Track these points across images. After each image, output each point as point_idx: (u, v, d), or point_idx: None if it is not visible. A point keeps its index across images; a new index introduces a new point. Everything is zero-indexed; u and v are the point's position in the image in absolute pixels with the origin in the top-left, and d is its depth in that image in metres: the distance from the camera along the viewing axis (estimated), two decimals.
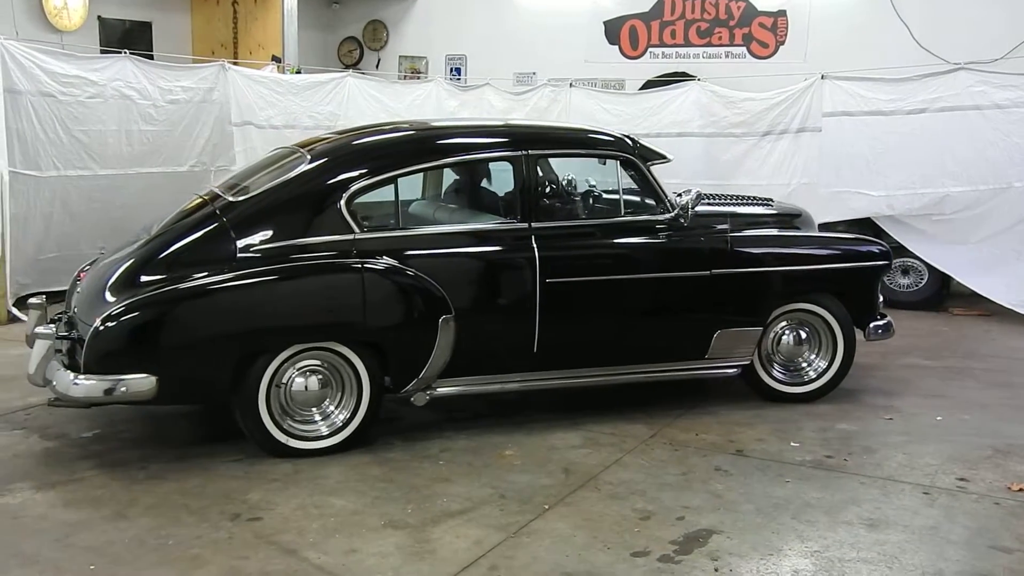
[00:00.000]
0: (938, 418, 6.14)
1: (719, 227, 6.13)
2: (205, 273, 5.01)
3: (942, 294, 9.74)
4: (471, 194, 6.37)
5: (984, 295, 9.20)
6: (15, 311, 8.25)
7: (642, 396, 6.23)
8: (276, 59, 13.22)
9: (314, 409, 5.22)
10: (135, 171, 9.49)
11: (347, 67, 14.61)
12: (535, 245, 5.53)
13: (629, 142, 6.10)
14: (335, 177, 5.43)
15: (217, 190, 5.68)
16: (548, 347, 5.58)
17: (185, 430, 5.63)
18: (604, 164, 6.15)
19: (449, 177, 6.54)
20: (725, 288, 5.98)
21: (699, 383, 6.57)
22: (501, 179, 6.10)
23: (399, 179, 5.50)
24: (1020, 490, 4.91)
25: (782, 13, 13.04)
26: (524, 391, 5.85)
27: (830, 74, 9.67)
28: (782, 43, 13.08)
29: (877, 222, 9.61)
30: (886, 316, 6.61)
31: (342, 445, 5.20)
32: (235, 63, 11.04)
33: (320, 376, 5.18)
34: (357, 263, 5.19)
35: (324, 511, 4.51)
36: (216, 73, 10.25)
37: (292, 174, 5.45)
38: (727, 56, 13.33)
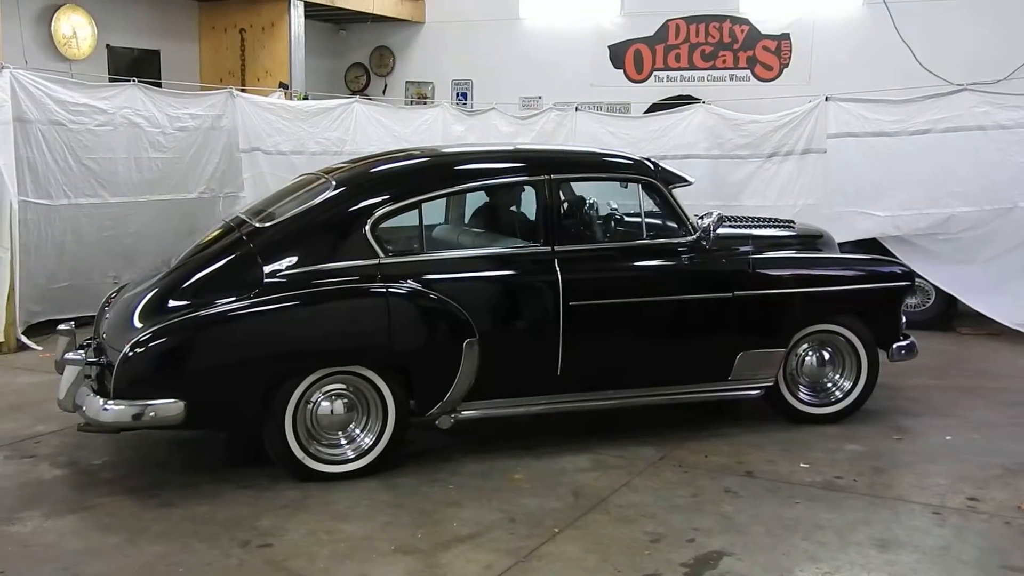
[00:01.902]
0: (947, 438, 6.13)
1: (741, 249, 6.14)
2: (232, 299, 5.07)
3: (949, 314, 9.71)
4: (494, 218, 6.40)
5: (990, 315, 9.18)
6: (24, 339, 8.28)
7: (650, 418, 6.24)
8: (283, 86, 13.31)
9: (340, 433, 5.25)
10: (145, 198, 9.55)
11: (354, 93, 14.71)
12: (558, 268, 5.57)
13: (651, 165, 6.16)
14: (360, 203, 5.49)
15: (243, 216, 5.75)
16: (571, 370, 5.61)
17: (194, 457, 5.64)
18: (626, 187, 6.20)
19: (472, 202, 6.56)
20: (747, 310, 6.01)
21: (708, 404, 6.56)
22: (524, 203, 6.21)
23: (423, 204, 5.57)
24: None
25: (785, 36, 13.13)
26: (545, 414, 5.86)
27: (834, 96, 9.71)
28: (786, 66, 13.16)
29: (883, 242, 9.61)
30: (909, 336, 6.63)
31: (368, 469, 5.24)
32: (243, 90, 11.12)
33: (346, 400, 5.22)
34: (382, 287, 5.24)
35: (334, 536, 4.52)
36: (224, 100, 10.32)
37: (317, 200, 5.52)
38: (731, 79, 13.42)
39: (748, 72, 13.37)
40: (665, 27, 13.80)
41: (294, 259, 5.26)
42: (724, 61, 13.49)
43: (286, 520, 4.69)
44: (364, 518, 4.74)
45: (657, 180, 6.03)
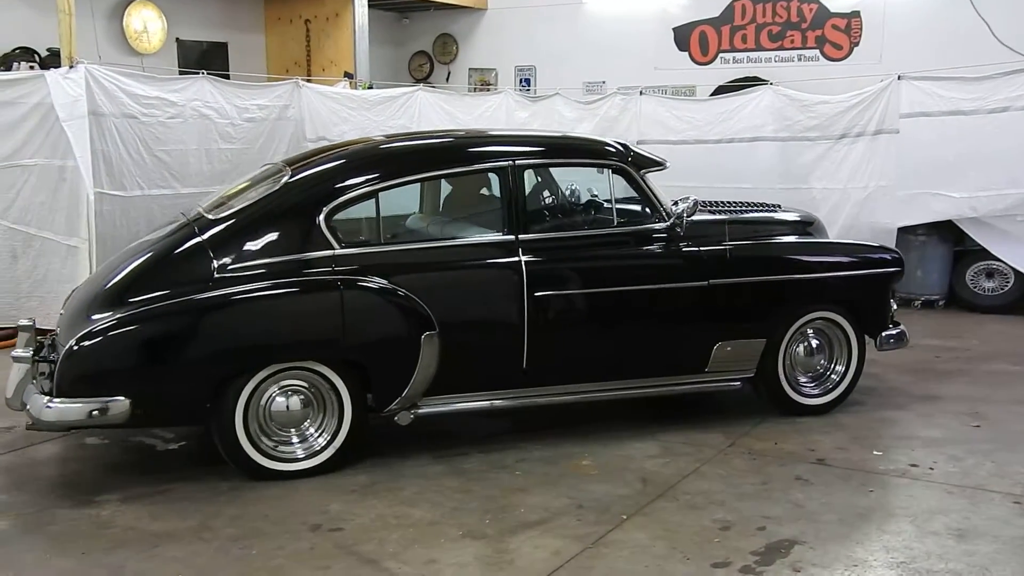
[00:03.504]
0: None
1: (717, 236, 5.91)
2: (182, 293, 4.93)
3: None
4: (458, 207, 6.24)
5: None
6: None
7: (717, 405, 6.18)
8: (348, 75, 13.41)
9: (293, 431, 5.11)
10: (216, 189, 9.67)
11: (418, 81, 14.76)
12: (522, 257, 5.39)
13: (620, 149, 5.93)
14: (314, 193, 5.34)
15: (202, 208, 5.60)
16: (538, 363, 5.44)
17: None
18: (602, 173, 5.93)
19: (443, 190, 6.38)
20: (724, 299, 5.81)
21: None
22: (488, 191, 6.04)
23: (380, 193, 5.36)
24: None
25: (856, 14, 12.82)
26: (514, 408, 5.65)
27: (907, 74, 9.48)
28: (856, 44, 12.85)
29: (958, 224, 9.40)
30: (900, 324, 6.42)
31: (324, 467, 5.10)
32: (308, 80, 11.22)
33: (302, 396, 5.09)
34: (335, 280, 5.08)
35: (403, 521, 4.55)
36: (290, 91, 10.43)
37: (271, 190, 5.37)
38: (800, 59, 13.15)
39: (817, 52, 13.09)
40: (731, 8, 13.57)
41: (246, 251, 5.10)
42: (792, 41, 13.23)
43: (355, 505, 4.74)
44: (432, 503, 4.76)
45: (628, 165, 5.82)
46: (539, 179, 6.14)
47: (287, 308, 5.09)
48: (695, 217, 5.80)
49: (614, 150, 5.93)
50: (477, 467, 5.25)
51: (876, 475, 5.12)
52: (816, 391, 6.15)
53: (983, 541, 4.32)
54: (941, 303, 9.74)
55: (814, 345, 6.13)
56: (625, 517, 4.58)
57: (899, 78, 9.47)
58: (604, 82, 13.82)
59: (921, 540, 4.34)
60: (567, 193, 6.28)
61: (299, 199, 5.34)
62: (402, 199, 6.14)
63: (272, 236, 5.19)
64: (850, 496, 4.84)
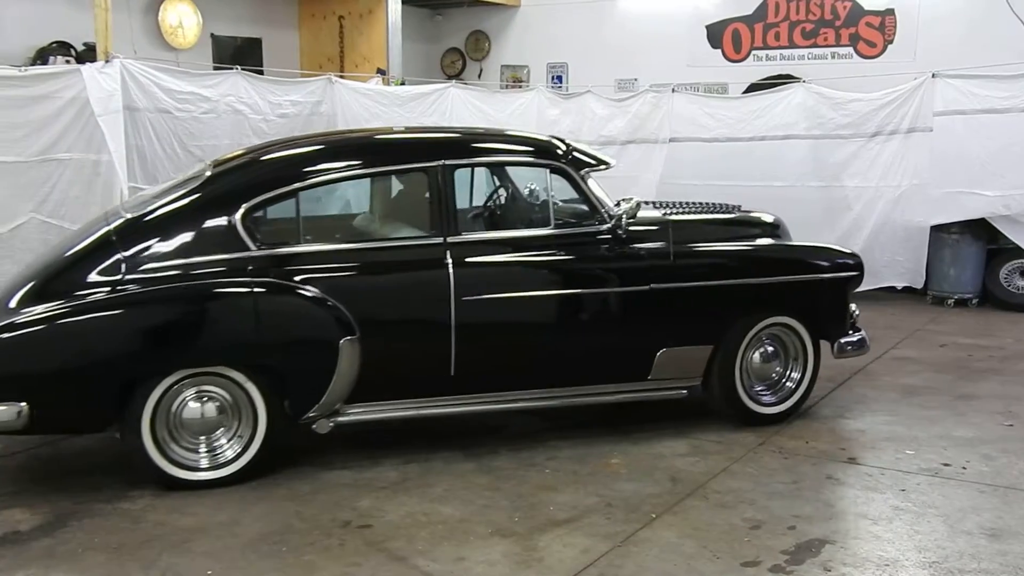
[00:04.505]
0: None
1: (661, 239, 5.68)
2: (90, 293, 4.77)
3: None
4: (386, 207, 6.03)
5: None
6: None
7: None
8: (381, 71, 13.47)
9: (202, 439, 4.94)
10: None
11: (450, 78, 14.79)
12: (450, 260, 5.19)
13: (560, 147, 5.70)
14: (230, 192, 5.15)
15: (121, 207, 5.44)
16: (467, 369, 5.24)
17: (294, 437, 5.76)
18: (549, 171, 5.64)
19: (374, 190, 6.14)
20: (667, 304, 5.58)
21: (813, 388, 6.45)
22: (417, 191, 5.67)
23: (300, 193, 5.18)
24: None
25: (890, 12, 12.72)
26: (442, 417, 5.48)
27: (941, 72, 9.41)
28: (890, 42, 12.75)
29: (992, 222, 9.32)
30: (860, 330, 6.19)
31: (238, 476, 4.94)
32: (341, 76, 11.27)
33: (217, 403, 4.92)
34: (246, 282, 4.91)
35: (432, 519, 4.58)
36: (323, 87, 10.48)
37: (188, 188, 5.20)
38: (833, 57, 13.07)
39: (851, 49, 12.99)
40: (764, 5, 13.50)
41: (158, 252, 4.92)
42: (825, 39, 13.14)
43: (385, 502, 4.77)
44: (461, 501, 4.78)
45: (566, 164, 5.59)
46: (507, 177, 6.00)
47: (195, 311, 4.91)
48: (639, 218, 5.60)
49: (551, 149, 5.70)
50: (507, 465, 5.27)
51: (908, 474, 5.09)
52: (772, 399, 5.91)
53: (1016, 540, 4.29)
54: (975, 302, 9.66)
55: (769, 352, 5.89)
56: (655, 516, 4.59)
57: (933, 76, 9.41)
58: (636, 79, 13.81)
59: (953, 539, 4.31)
60: (510, 193, 6.04)
61: (214, 198, 5.14)
62: (347, 198, 5.99)
63: (185, 236, 5.00)
64: (882, 495, 4.82)
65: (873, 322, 8.78)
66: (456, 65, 16.26)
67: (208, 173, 5.32)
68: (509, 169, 6.02)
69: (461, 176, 5.58)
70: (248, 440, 4.97)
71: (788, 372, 5.97)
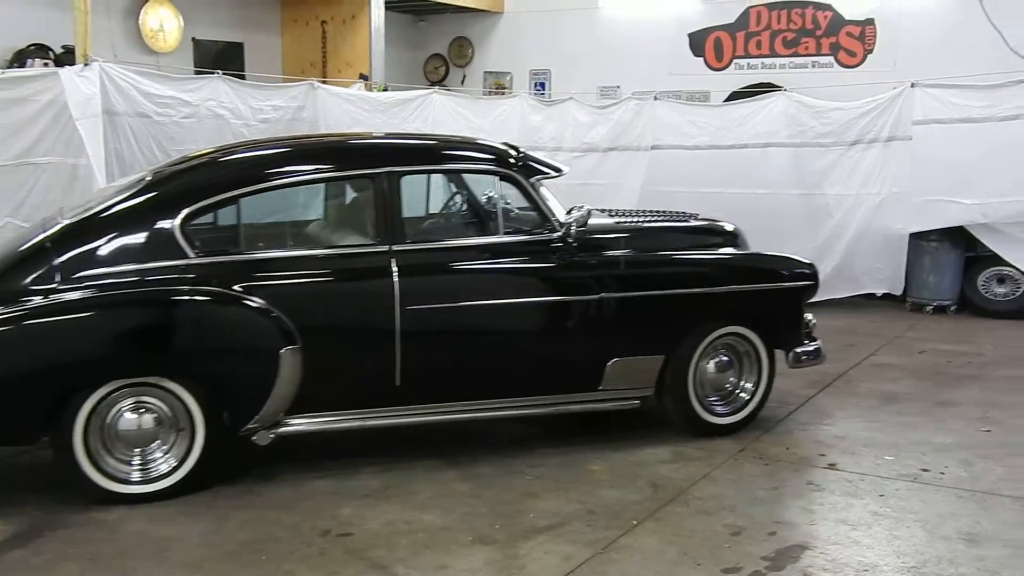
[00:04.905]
0: None
1: (611, 247, 5.62)
2: (23, 302, 4.64)
3: None
4: (331, 215, 5.91)
5: None
6: None
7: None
8: (363, 77, 13.46)
9: (137, 451, 4.80)
10: None
11: (433, 84, 14.82)
12: (395, 269, 5.08)
13: (509, 155, 5.62)
14: (169, 198, 5.02)
15: (60, 212, 5.33)
16: (413, 380, 5.14)
17: (275, 444, 5.71)
18: (499, 179, 5.57)
19: (321, 197, 5.97)
20: (617, 313, 5.48)
21: (791, 396, 6.49)
22: (363, 198, 5.61)
23: (241, 199, 5.08)
24: None
25: (870, 22, 12.84)
26: (388, 428, 5.36)
27: (920, 82, 9.49)
28: (870, 51, 12.86)
29: (970, 230, 9.40)
30: (816, 340, 6.13)
31: (174, 489, 4.80)
32: (324, 82, 11.27)
33: (155, 414, 4.79)
34: (184, 291, 4.80)
35: (413, 527, 4.56)
36: (305, 92, 10.47)
37: (125, 195, 5.07)
38: (814, 66, 13.17)
39: (831, 59, 13.10)
40: (746, 14, 13.58)
41: (93, 258, 4.80)
42: (806, 48, 13.24)
43: (366, 510, 4.75)
44: (443, 508, 4.77)
45: (515, 171, 5.50)
46: (464, 185, 5.94)
47: (129, 320, 4.80)
48: (590, 226, 5.51)
49: (501, 156, 5.62)
50: (489, 472, 5.25)
51: (888, 480, 5.12)
52: (725, 409, 5.83)
53: (993, 545, 4.32)
54: (953, 308, 9.73)
55: (724, 361, 5.81)
56: (636, 522, 4.59)
57: (912, 85, 9.49)
58: (619, 87, 13.86)
59: (932, 544, 4.34)
60: (459, 201, 5.98)
61: (152, 204, 5.01)
62: (293, 205, 5.86)
63: (122, 242, 4.88)
64: (861, 501, 4.84)
65: (853, 329, 8.88)
66: (439, 71, 16.27)
67: (148, 178, 5.23)
68: (460, 176, 5.93)
69: (409, 183, 5.46)
70: (185, 453, 4.84)
71: (742, 382, 5.89)
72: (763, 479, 5.16)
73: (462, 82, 15.81)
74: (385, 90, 12.85)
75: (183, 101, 9.24)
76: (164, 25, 12.58)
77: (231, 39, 13.80)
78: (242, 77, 10.84)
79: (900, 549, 4.30)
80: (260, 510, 4.74)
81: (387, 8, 14.14)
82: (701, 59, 13.94)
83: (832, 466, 5.34)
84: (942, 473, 5.22)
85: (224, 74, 9.80)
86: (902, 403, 6.57)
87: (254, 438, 4.99)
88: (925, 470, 5.26)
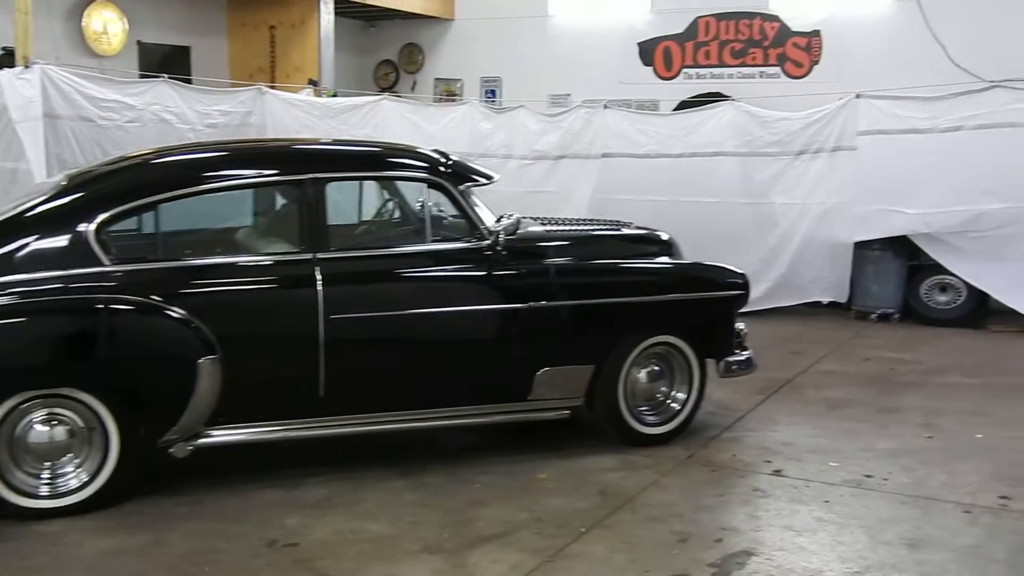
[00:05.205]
0: (978, 436, 6.07)
1: (541, 256, 5.57)
2: None
3: (980, 311, 9.64)
4: (255, 222, 5.81)
5: (1022, 312, 9.09)
6: None
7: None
8: (313, 82, 13.38)
9: (47, 464, 4.65)
10: None
11: (383, 90, 14.77)
12: (319, 277, 4.98)
13: (438, 162, 5.55)
14: (83, 204, 4.90)
15: None
16: (338, 391, 5.06)
17: (226, 454, 5.64)
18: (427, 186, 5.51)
19: (245, 203, 5.86)
20: (546, 323, 5.45)
21: (738, 403, 6.54)
22: (287, 205, 5.60)
23: (159, 206, 4.96)
24: None
25: (816, 33, 13.05)
26: (312, 439, 5.23)
27: (865, 93, 9.64)
28: (816, 63, 13.08)
29: (913, 239, 9.56)
30: (748, 349, 6.11)
31: (88, 504, 4.67)
32: (272, 87, 11.19)
33: (68, 427, 4.65)
34: (97, 299, 4.66)
35: (361, 536, 4.52)
36: (253, 97, 10.40)
37: (40, 200, 4.97)
38: (761, 76, 13.35)
39: (778, 69, 13.29)
40: (695, 24, 13.73)
41: (4, 266, 4.67)
42: (754, 58, 13.42)
43: (313, 519, 4.70)
44: (391, 517, 4.73)
45: (444, 178, 5.43)
46: (396, 192, 5.87)
47: (38, 329, 4.68)
48: (519, 235, 5.44)
49: (429, 163, 5.56)
50: (438, 480, 5.22)
51: (832, 486, 5.17)
52: (656, 419, 5.79)
53: (935, 550, 4.38)
54: (896, 316, 9.88)
55: (655, 371, 5.77)
56: (584, 530, 4.59)
57: (857, 96, 9.63)
58: (569, 95, 13.93)
59: (875, 550, 4.39)
60: (386, 208, 5.91)
61: (66, 211, 4.89)
62: (216, 212, 5.72)
63: (35, 248, 4.75)
64: (806, 507, 4.89)
65: (800, 336, 8.99)
66: (389, 77, 16.23)
67: (64, 183, 5.12)
68: (391, 183, 5.84)
69: (336, 190, 5.40)
70: (98, 467, 4.69)
71: (674, 392, 5.86)
72: (710, 486, 5.20)
73: (412, 88, 15.79)
74: (334, 96, 12.80)
75: (127, 105, 9.14)
76: (108, 28, 12.40)
77: (177, 43, 13.65)
78: (188, 81, 10.76)
79: (844, 555, 4.35)
80: (205, 521, 4.67)
81: (337, 13, 14.09)
82: (651, 68, 14.07)
83: (778, 472, 5.39)
84: (885, 479, 5.29)
85: (170, 78, 9.70)
86: (847, 410, 6.65)
87: (171, 450, 4.85)
88: (869, 476, 5.33)
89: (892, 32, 12.45)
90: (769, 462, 5.55)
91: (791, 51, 13.19)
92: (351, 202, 5.87)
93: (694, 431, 6.02)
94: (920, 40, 12.02)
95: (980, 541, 4.49)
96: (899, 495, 5.06)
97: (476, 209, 5.50)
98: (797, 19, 13.18)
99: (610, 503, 4.92)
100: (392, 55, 16.24)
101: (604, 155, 10.71)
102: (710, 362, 5.94)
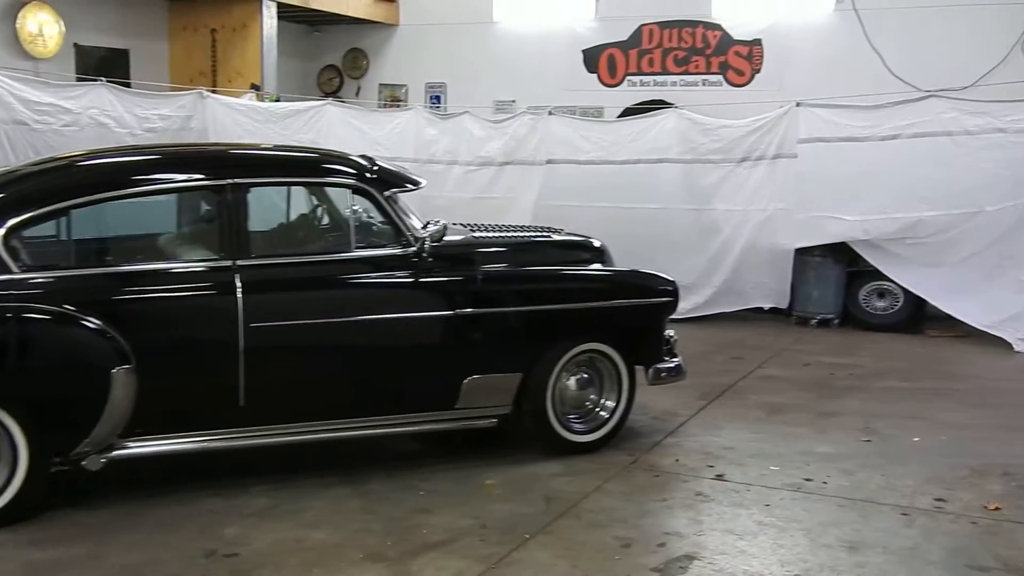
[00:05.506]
0: (915, 439, 6.17)
1: (467, 263, 5.52)
2: None
3: (918, 317, 9.85)
4: (172, 228, 5.64)
5: (958, 317, 9.29)
6: None
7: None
8: (255, 87, 13.24)
9: None
10: None
11: (327, 95, 14.65)
12: (239, 285, 4.89)
13: (363, 167, 5.47)
14: None
15: None
16: (259, 400, 4.97)
17: (169, 462, 5.53)
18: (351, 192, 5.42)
19: (171, 209, 5.68)
20: (473, 331, 5.41)
21: (681, 408, 6.59)
22: (206, 211, 5.44)
23: (72, 211, 4.83)
24: (996, 509, 4.96)
25: (757, 42, 13.22)
26: (232, 450, 5.10)
27: (805, 101, 9.79)
28: (758, 71, 13.25)
29: (852, 246, 9.71)
30: (677, 357, 6.11)
31: None
32: (213, 91, 11.06)
33: None
34: (5, 308, 4.52)
35: (303, 545, 4.47)
36: (194, 101, 10.28)
37: None
38: (704, 84, 13.49)
39: (720, 77, 13.45)
40: (639, 32, 13.84)
41: None
42: (697, 66, 13.56)
43: (254, 528, 4.63)
44: (334, 526, 4.69)
45: (369, 184, 5.36)
46: (325, 198, 5.75)
47: None
48: (446, 242, 5.41)
49: (354, 168, 5.47)
50: (382, 488, 5.18)
51: (773, 490, 5.23)
52: (584, 427, 5.76)
53: (873, 552, 4.45)
54: (836, 322, 10.03)
55: (584, 379, 5.74)
56: (528, 536, 4.58)
57: (797, 104, 9.78)
58: (514, 101, 13.95)
59: (815, 553, 4.44)
60: (311, 214, 5.82)
61: None
62: (134, 218, 5.52)
63: None
64: (747, 510, 4.93)
65: (742, 342, 9.10)
66: (333, 82, 16.12)
67: None
68: (319, 189, 5.73)
69: (260, 196, 5.31)
70: (5, 481, 4.53)
71: (603, 400, 5.83)
72: (653, 491, 5.23)
73: (357, 94, 15.69)
74: (277, 100, 12.68)
75: (64, 109, 8.98)
76: (44, 30, 12.12)
77: (116, 45, 13.39)
78: (127, 85, 10.58)
79: (784, 558, 4.40)
80: (144, 531, 4.59)
81: (280, 18, 13.95)
82: (595, 75, 14.14)
83: (720, 477, 5.44)
84: (825, 482, 5.36)
85: (108, 81, 9.53)
86: (787, 414, 6.74)
87: (84, 463, 4.71)
88: (808, 479, 5.39)
89: (832, 41, 12.66)
90: (711, 467, 5.60)
91: (733, 59, 13.36)
92: (276, 208, 5.76)
93: (637, 436, 6.06)
94: (859, 50, 12.26)
95: (916, 543, 4.56)
96: (838, 498, 5.13)
97: (402, 215, 5.44)
98: (739, 28, 13.34)
99: (554, 509, 4.93)
100: (336, 60, 16.13)
101: (549, 161, 10.76)
102: (640, 369, 5.94)
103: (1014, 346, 8.81)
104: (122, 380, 4.62)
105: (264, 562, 4.28)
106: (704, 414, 6.65)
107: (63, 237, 4.89)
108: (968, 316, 9.23)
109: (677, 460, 5.71)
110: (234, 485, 5.10)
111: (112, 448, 4.78)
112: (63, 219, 4.87)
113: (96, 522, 4.66)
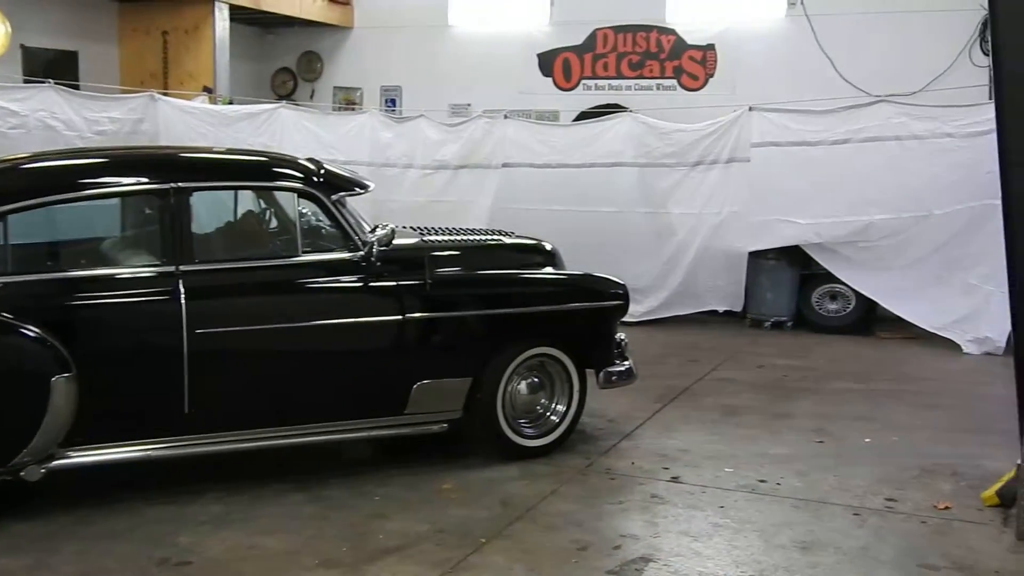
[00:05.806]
0: (867, 440, 6.25)
1: (416, 267, 5.49)
2: None
3: (869, 319, 9.98)
4: (114, 233, 5.54)
5: (909, 319, 9.43)
6: None
7: (579, 425, 6.24)
8: (208, 89, 13.10)
9: None
10: None
11: (281, 98, 14.54)
12: (182, 291, 4.84)
13: (310, 171, 5.43)
14: None
15: None
16: (204, 407, 4.92)
17: (118, 471, 5.44)
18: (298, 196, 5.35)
19: (113, 214, 5.56)
20: (422, 335, 5.42)
21: (637, 410, 6.62)
22: (149, 215, 5.30)
23: (9, 216, 4.71)
24: (945, 508, 5.04)
25: (711, 47, 13.33)
26: (178, 458, 5.04)
27: (758, 106, 9.89)
28: (711, 76, 13.36)
29: (805, 249, 9.82)
30: (628, 360, 6.11)
31: None
32: (165, 93, 10.92)
33: None
34: None
35: (257, 552, 4.42)
36: (145, 104, 10.15)
37: None
38: (658, 88, 13.57)
39: (675, 81, 13.54)
40: (593, 36, 13.89)
41: None
42: (651, 70, 13.64)
43: (207, 536, 4.58)
44: (288, 532, 4.65)
45: (316, 188, 5.31)
46: (273, 201, 5.66)
47: None
48: (394, 246, 5.37)
49: (300, 172, 5.42)
50: (338, 494, 5.15)
51: (728, 491, 5.27)
52: (535, 432, 5.74)
53: (826, 552, 4.50)
54: (789, 324, 10.14)
55: (534, 383, 5.73)
56: (484, 540, 4.58)
57: (750, 109, 9.87)
58: (470, 105, 13.94)
59: (769, 553, 4.48)
60: (257, 218, 5.74)
61: None
62: (75, 222, 5.38)
63: None
64: (702, 512, 4.97)
65: (697, 344, 9.16)
66: (287, 85, 16.00)
67: None
68: (267, 193, 5.64)
69: (204, 200, 5.24)
70: None
71: (554, 404, 5.82)
72: (609, 493, 5.24)
73: (311, 97, 15.58)
74: (230, 103, 12.56)
75: (10, 111, 8.84)
76: None
77: (64, 47, 13.18)
78: (76, 87, 10.41)
79: (739, 559, 4.43)
80: (92, 540, 4.50)
81: (233, 20, 13.82)
82: (550, 79, 14.17)
83: (675, 479, 5.47)
84: (778, 484, 5.40)
85: (56, 84, 9.38)
86: (742, 416, 6.80)
87: (22, 473, 4.61)
88: (763, 481, 5.44)
89: (784, 47, 12.81)
90: (667, 469, 5.62)
91: (687, 64, 13.46)
92: (223, 213, 5.66)
93: (593, 439, 6.08)
94: (810, 55, 12.41)
95: (868, 543, 4.62)
96: (791, 499, 5.18)
97: (350, 219, 5.41)
98: (693, 33, 13.44)
99: (511, 513, 4.93)
100: (290, 63, 16.02)
101: (504, 165, 10.76)
102: (590, 373, 5.94)
103: (963, 347, 8.96)
104: (62, 389, 4.55)
105: (218, 570, 4.23)
106: (660, 417, 6.68)
107: (1, 242, 4.75)
108: (918, 318, 9.37)
109: (633, 463, 5.73)
110: (187, 493, 5.04)
111: (52, 458, 4.68)
112: (1, 223, 4.73)
113: (42, 532, 4.58)
